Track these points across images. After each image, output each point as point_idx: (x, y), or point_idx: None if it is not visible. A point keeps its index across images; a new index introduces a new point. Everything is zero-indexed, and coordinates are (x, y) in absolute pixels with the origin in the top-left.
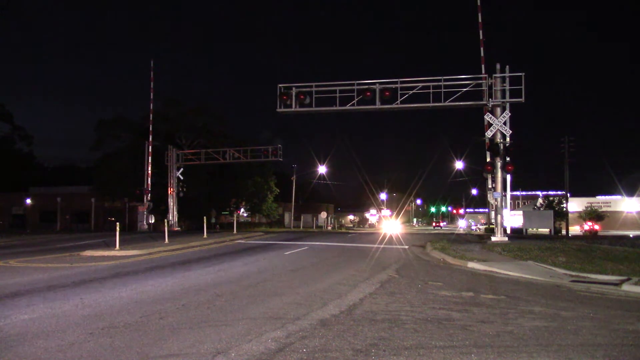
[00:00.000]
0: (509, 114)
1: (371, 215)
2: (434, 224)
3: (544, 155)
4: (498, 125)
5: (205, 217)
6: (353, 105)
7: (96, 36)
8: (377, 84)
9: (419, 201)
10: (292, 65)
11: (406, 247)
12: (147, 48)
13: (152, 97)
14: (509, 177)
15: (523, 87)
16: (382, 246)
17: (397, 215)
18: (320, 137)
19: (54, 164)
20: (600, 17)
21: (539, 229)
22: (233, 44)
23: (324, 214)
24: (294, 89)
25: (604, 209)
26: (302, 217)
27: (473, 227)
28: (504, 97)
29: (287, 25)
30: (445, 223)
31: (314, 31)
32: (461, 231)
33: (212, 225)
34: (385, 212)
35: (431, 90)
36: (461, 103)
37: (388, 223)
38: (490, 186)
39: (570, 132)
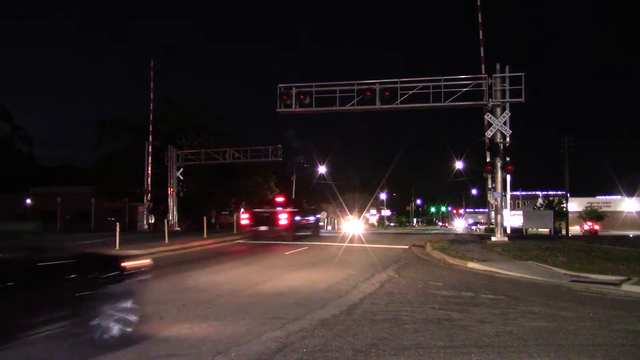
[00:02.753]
0: (509, 114)
1: (371, 216)
2: (440, 224)
3: (544, 155)
4: (498, 125)
5: (205, 217)
6: (353, 105)
7: (96, 36)
8: (377, 84)
9: (419, 201)
10: (292, 65)
11: (406, 247)
12: (147, 48)
13: (152, 97)
14: (509, 177)
15: (523, 87)
16: (382, 246)
17: (361, 213)
18: (320, 137)
19: (54, 164)
20: (600, 16)
21: (539, 229)
22: (233, 44)
23: (324, 214)
24: (294, 89)
25: (604, 209)
26: None
27: (473, 227)
28: (504, 97)
29: (288, 25)
30: (444, 223)
31: (315, 31)
32: (460, 231)
33: (212, 225)
34: (385, 212)
35: (431, 90)
36: (461, 103)
37: (349, 223)
38: (490, 186)
39: (570, 132)
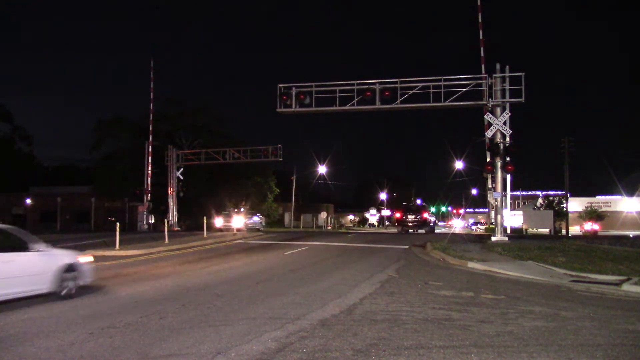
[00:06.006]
0: (509, 113)
1: (371, 215)
2: (449, 223)
3: (544, 155)
4: (498, 125)
5: (205, 217)
6: (353, 105)
7: (96, 35)
8: (377, 84)
9: (419, 201)
10: (292, 65)
11: (406, 247)
12: (147, 48)
13: (152, 97)
14: (509, 177)
15: (523, 87)
16: (382, 246)
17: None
18: (320, 137)
19: (54, 164)
20: (600, 19)
21: (539, 229)
22: (233, 44)
23: (323, 214)
24: (294, 89)
25: (604, 209)
26: (302, 217)
27: (473, 227)
28: (504, 97)
29: (287, 25)
30: (447, 223)
31: (314, 31)
32: (457, 231)
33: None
34: (386, 211)
35: (431, 90)
36: (461, 103)
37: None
38: (490, 186)
39: (570, 132)
